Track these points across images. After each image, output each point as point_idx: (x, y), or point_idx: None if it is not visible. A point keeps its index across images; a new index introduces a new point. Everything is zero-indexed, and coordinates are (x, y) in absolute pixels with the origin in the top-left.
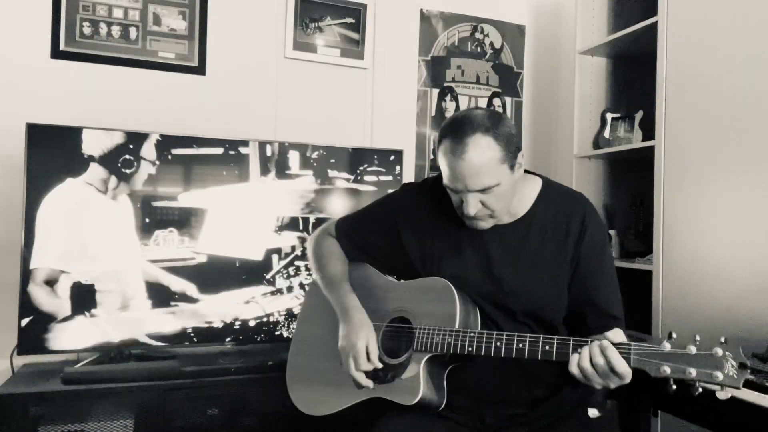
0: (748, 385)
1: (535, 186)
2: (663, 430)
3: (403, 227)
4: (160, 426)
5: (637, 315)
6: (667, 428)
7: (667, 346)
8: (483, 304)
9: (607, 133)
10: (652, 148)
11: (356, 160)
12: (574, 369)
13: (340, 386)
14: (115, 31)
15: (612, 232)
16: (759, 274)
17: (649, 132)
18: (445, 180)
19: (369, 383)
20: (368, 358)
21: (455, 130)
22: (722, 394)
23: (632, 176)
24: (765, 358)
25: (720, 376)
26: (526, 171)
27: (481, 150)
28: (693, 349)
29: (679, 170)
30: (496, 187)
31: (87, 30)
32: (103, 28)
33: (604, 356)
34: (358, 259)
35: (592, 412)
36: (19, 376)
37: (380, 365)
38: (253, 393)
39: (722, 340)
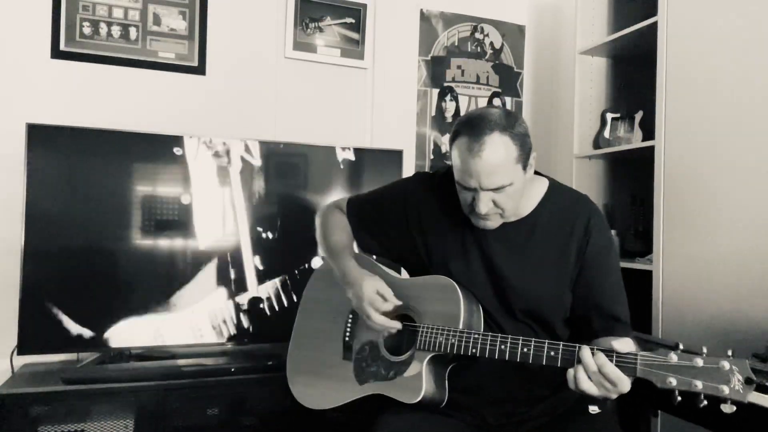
0: None
1: (541, 186)
2: (663, 430)
3: (410, 216)
4: (160, 426)
5: (637, 315)
6: (667, 428)
7: (673, 358)
8: (485, 303)
9: (607, 133)
10: (652, 148)
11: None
12: (571, 386)
13: (342, 381)
14: (115, 31)
15: (612, 232)
16: (759, 274)
17: (649, 132)
18: (458, 177)
19: (396, 324)
20: (384, 300)
21: (472, 127)
22: (727, 408)
23: (632, 176)
24: (765, 358)
25: (726, 390)
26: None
27: (498, 149)
28: (700, 362)
29: (679, 170)
30: (509, 187)
31: (87, 30)
32: (103, 28)
33: (601, 373)
34: (365, 242)
35: (593, 408)
36: (19, 376)
37: (399, 302)
38: (253, 393)
39: (729, 353)
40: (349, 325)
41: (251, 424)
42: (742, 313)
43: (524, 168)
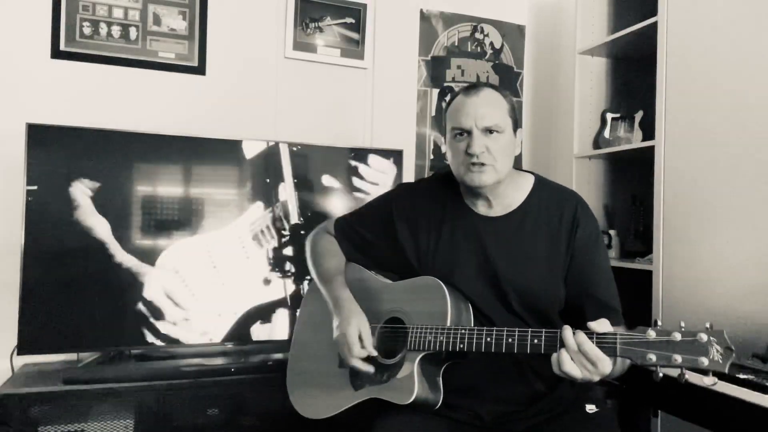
0: (749, 384)
1: (528, 181)
2: (663, 430)
3: (398, 224)
4: (160, 426)
5: (637, 315)
6: (667, 428)
7: (652, 334)
8: (477, 298)
9: (607, 133)
10: (652, 148)
11: (356, 160)
12: (555, 369)
13: (339, 389)
14: (115, 31)
15: (612, 232)
16: (759, 274)
17: (649, 132)
18: (454, 123)
19: (369, 368)
20: (362, 345)
21: (468, 86)
22: (708, 380)
23: (632, 176)
24: (765, 358)
25: (705, 361)
26: (518, 169)
27: (492, 94)
28: (678, 336)
29: (679, 170)
30: (500, 135)
31: (87, 30)
32: (103, 28)
33: (581, 352)
34: (356, 259)
35: (590, 407)
36: (19, 376)
37: (374, 352)
38: (253, 393)
39: (707, 325)
40: None
41: (251, 424)
42: (742, 313)
43: (513, 129)
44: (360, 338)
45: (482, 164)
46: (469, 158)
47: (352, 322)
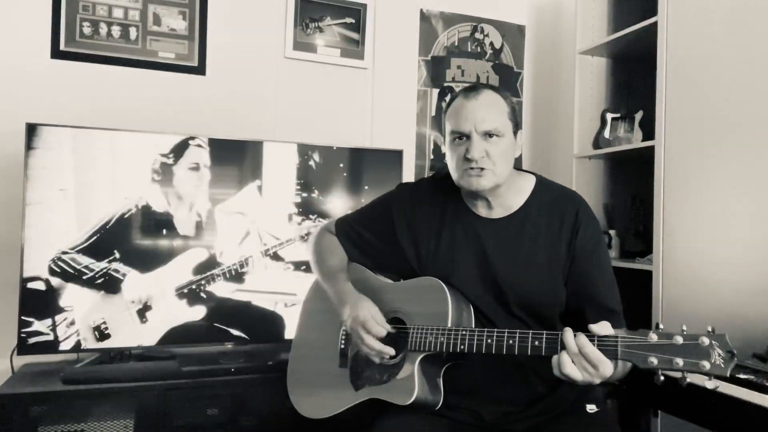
0: (748, 385)
1: (529, 182)
2: (663, 430)
3: (398, 225)
4: (160, 426)
5: (637, 315)
6: (667, 428)
7: (653, 337)
8: (477, 300)
9: (607, 133)
10: (652, 148)
11: (356, 160)
12: (556, 371)
13: (339, 389)
14: (115, 31)
15: (612, 232)
16: (759, 274)
17: (649, 132)
18: (453, 127)
19: (390, 350)
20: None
21: (468, 88)
22: (710, 384)
23: (632, 176)
24: (765, 358)
25: (707, 365)
26: (519, 169)
27: (492, 96)
28: (679, 339)
29: (679, 170)
30: (499, 139)
31: (87, 30)
32: (103, 28)
33: (582, 354)
34: (357, 259)
35: (590, 407)
36: (19, 376)
37: (390, 328)
38: (253, 393)
39: (709, 329)
40: (344, 332)
41: (251, 424)
42: (742, 313)
43: (513, 132)
44: (373, 318)
45: (481, 168)
46: (468, 163)
47: (361, 307)
